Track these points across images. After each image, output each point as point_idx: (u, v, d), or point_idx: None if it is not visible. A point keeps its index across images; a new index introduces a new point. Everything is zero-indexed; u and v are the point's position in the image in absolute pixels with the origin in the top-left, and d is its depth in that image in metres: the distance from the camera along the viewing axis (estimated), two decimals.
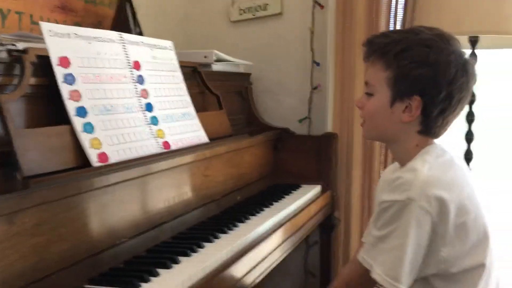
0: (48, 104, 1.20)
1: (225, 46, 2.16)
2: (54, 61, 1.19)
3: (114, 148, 1.25)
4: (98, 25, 1.87)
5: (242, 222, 1.47)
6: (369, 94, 1.13)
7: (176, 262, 1.15)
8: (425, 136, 1.11)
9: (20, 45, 1.15)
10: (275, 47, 2.28)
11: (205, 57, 1.92)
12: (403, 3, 1.95)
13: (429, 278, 1.03)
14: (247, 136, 1.91)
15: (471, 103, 1.78)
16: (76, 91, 1.21)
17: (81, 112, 1.20)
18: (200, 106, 1.74)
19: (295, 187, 1.95)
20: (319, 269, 2.15)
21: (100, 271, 1.09)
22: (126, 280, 1.03)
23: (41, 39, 1.20)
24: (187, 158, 1.47)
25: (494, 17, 1.64)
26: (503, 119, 2.16)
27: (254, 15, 2.31)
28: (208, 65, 1.94)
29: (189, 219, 1.45)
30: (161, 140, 1.43)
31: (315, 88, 2.20)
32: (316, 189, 1.97)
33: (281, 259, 1.52)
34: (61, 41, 1.22)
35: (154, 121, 1.44)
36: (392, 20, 1.98)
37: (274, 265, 1.46)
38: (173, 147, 1.47)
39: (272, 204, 1.69)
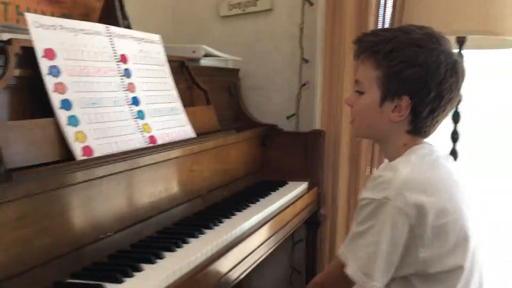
0: (32, 97, 1.18)
1: (214, 41, 2.15)
2: (39, 52, 1.17)
3: (99, 141, 1.24)
4: (85, 17, 1.85)
5: (228, 218, 1.47)
6: (359, 93, 1.13)
7: (161, 257, 1.14)
8: (414, 135, 1.11)
9: (5, 36, 1.13)
10: (264, 43, 2.27)
11: (193, 51, 1.91)
12: (392, 1, 1.96)
13: (409, 278, 1.03)
14: (234, 132, 1.90)
15: (457, 103, 1.79)
16: (61, 83, 1.20)
17: (66, 105, 1.19)
18: (188, 101, 1.74)
19: (282, 183, 1.95)
20: (305, 266, 2.15)
21: (84, 265, 1.08)
22: (110, 274, 1.02)
23: (26, 31, 1.19)
24: (174, 153, 1.46)
25: (482, 18, 1.65)
26: (489, 120, 2.18)
27: (243, 11, 2.30)
28: (196, 60, 1.93)
29: (175, 214, 1.45)
30: (147, 135, 1.43)
31: (303, 85, 2.20)
32: (302, 186, 1.97)
33: (266, 255, 1.52)
34: (46, 32, 1.21)
35: (141, 115, 1.44)
36: (381, 18, 1.99)
37: (259, 261, 1.46)
38: (160, 141, 1.46)
39: (258, 200, 1.69)
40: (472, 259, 1.06)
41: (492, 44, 1.85)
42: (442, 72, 1.05)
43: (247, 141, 1.99)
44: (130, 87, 1.43)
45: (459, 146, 1.90)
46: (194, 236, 1.29)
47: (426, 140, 1.14)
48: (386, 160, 1.21)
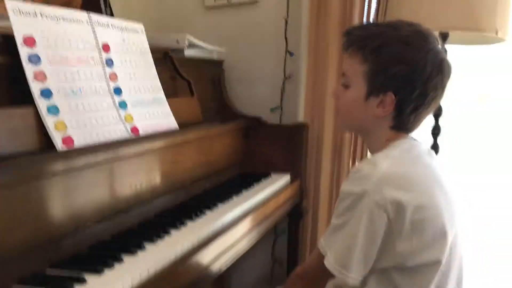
0: (11, 85, 1.16)
1: (198, 32, 2.13)
2: (19, 40, 1.15)
3: (80, 131, 1.22)
4: (67, 4, 1.82)
5: (210, 209, 1.47)
6: (345, 86, 1.14)
7: (142, 248, 1.14)
8: (397, 131, 1.12)
9: None
10: (249, 35, 2.26)
11: (177, 41, 1.89)
12: None
13: (387, 270, 1.04)
14: (218, 124, 1.90)
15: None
16: (41, 72, 1.18)
17: (46, 93, 1.17)
18: (171, 92, 1.72)
19: (265, 175, 1.95)
20: (286, 257, 2.17)
21: (63, 256, 1.07)
22: (90, 265, 1.02)
23: (6, 18, 1.16)
24: (156, 144, 1.45)
25: (465, 14, 1.67)
26: (470, 115, 2.21)
27: (229, 2, 2.28)
28: (180, 50, 1.91)
29: (157, 205, 1.44)
30: (129, 125, 1.41)
31: (287, 77, 2.20)
32: (285, 178, 1.98)
33: (248, 247, 1.52)
34: (26, 20, 1.18)
35: (123, 105, 1.42)
36: (365, 11, 1.99)
37: (241, 253, 1.46)
38: (142, 132, 1.45)
39: (241, 192, 1.69)
40: (450, 254, 1.07)
41: (475, 40, 1.87)
42: (428, 71, 1.05)
43: (230, 133, 1.98)
44: (112, 77, 1.41)
45: (440, 141, 1.92)
46: (176, 227, 1.28)
47: (410, 135, 1.15)
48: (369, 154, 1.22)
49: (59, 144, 1.15)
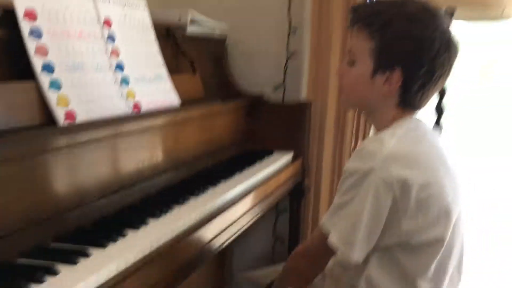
0: (12, 59, 1.15)
1: (200, 8, 2.10)
2: (20, 13, 1.13)
3: (83, 106, 1.22)
4: None
5: (213, 186, 1.47)
6: (351, 63, 1.12)
7: (145, 223, 1.14)
8: (403, 109, 1.11)
9: None
10: (252, 11, 2.23)
11: (179, 17, 1.87)
12: None
13: (390, 248, 1.04)
14: (220, 102, 1.89)
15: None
16: (43, 46, 1.16)
17: (48, 68, 1.16)
18: (173, 69, 1.71)
19: (267, 153, 1.95)
20: (288, 236, 2.18)
21: (67, 230, 1.08)
22: (94, 239, 1.02)
23: None
24: (158, 121, 1.45)
25: None
26: (472, 91, 2.19)
27: None
28: (182, 26, 1.89)
29: (159, 182, 1.44)
30: (131, 101, 1.41)
31: (291, 55, 2.18)
32: (287, 156, 1.98)
33: (250, 224, 1.53)
34: None
35: (125, 81, 1.41)
36: None
37: (242, 230, 1.47)
38: (144, 109, 1.44)
39: (243, 170, 1.69)
40: (453, 232, 1.07)
41: (478, 16, 1.85)
42: (436, 48, 1.04)
43: (233, 110, 1.98)
44: (114, 53, 1.40)
45: (444, 121, 1.91)
46: (178, 203, 1.29)
47: (415, 115, 1.14)
48: (372, 132, 1.21)
49: (61, 119, 1.15)
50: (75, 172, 1.14)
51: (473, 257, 1.17)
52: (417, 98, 1.09)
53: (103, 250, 1.00)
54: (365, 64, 1.09)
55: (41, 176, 1.05)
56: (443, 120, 1.87)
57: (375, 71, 1.08)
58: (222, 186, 1.50)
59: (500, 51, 2.17)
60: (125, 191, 1.30)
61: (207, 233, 1.25)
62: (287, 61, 2.20)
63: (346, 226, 1.04)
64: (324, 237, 1.08)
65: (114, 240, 1.04)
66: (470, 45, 2.07)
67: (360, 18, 1.10)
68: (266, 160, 1.87)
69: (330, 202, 2.10)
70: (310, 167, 2.11)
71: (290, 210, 2.15)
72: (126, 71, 1.43)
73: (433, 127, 1.87)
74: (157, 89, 1.53)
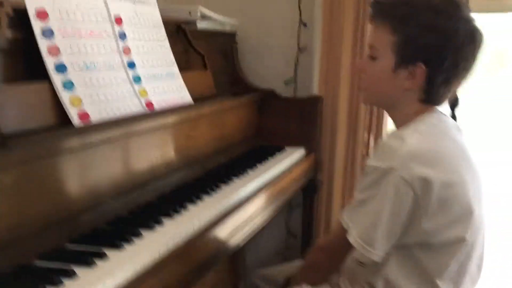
0: (25, 60, 1.14)
1: (209, 3, 2.08)
2: (31, 13, 1.13)
3: (96, 106, 1.21)
4: None
5: (226, 184, 1.46)
6: (372, 58, 1.10)
7: (160, 223, 1.14)
8: (425, 103, 1.08)
9: None
10: (262, 6, 2.21)
11: (189, 13, 1.86)
12: None
13: (410, 247, 1.03)
14: (231, 97, 1.88)
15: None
16: (55, 46, 1.16)
17: (61, 68, 1.16)
18: (184, 65, 1.70)
19: (279, 149, 1.94)
20: (301, 231, 2.17)
21: (82, 231, 1.07)
22: (110, 240, 1.02)
23: None
24: (171, 119, 1.44)
25: None
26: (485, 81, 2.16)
27: None
28: (192, 22, 1.87)
29: (172, 180, 1.43)
30: (144, 100, 1.40)
31: (302, 49, 2.16)
32: (300, 152, 1.96)
33: (264, 222, 1.52)
34: None
35: (137, 80, 1.40)
36: None
37: (257, 228, 1.46)
38: (156, 107, 1.43)
39: (256, 166, 1.68)
40: (475, 232, 1.05)
41: (493, 7, 1.82)
42: (460, 40, 1.01)
43: (244, 106, 1.96)
44: (126, 51, 1.39)
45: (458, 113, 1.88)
46: (192, 201, 1.28)
47: (437, 108, 1.11)
48: (387, 129, 1.19)
49: (75, 120, 1.14)
50: (89, 172, 1.14)
51: None
52: (440, 93, 1.07)
53: (119, 251, 1.00)
54: (387, 58, 1.06)
55: (56, 177, 1.05)
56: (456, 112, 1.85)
57: (397, 66, 1.05)
58: (235, 183, 1.49)
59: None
60: (139, 190, 1.30)
61: (223, 231, 1.24)
62: (297, 56, 2.17)
63: (366, 224, 1.02)
64: (343, 232, 1.06)
65: (130, 241, 1.03)
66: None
67: (380, 11, 1.08)
68: (278, 156, 1.86)
69: (344, 196, 2.10)
70: (323, 162, 2.09)
71: (303, 205, 2.14)
72: (138, 69, 1.42)
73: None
74: (169, 87, 1.52)
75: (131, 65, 1.40)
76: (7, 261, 0.89)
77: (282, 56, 2.21)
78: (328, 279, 1.22)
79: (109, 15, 1.36)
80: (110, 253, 0.98)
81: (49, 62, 1.13)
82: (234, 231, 1.30)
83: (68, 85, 1.16)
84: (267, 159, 1.79)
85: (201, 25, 1.91)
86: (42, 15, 1.15)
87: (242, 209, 1.35)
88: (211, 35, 2.01)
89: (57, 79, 1.14)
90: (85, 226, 1.09)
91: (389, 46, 1.05)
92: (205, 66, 1.81)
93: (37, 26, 1.13)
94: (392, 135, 1.08)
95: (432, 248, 1.02)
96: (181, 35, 1.77)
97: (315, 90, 2.10)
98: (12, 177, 0.93)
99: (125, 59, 1.38)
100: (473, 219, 1.04)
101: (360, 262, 1.10)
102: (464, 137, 1.13)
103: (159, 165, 1.39)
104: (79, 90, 1.18)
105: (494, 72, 2.25)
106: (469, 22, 1.03)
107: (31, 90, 1.09)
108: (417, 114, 1.08)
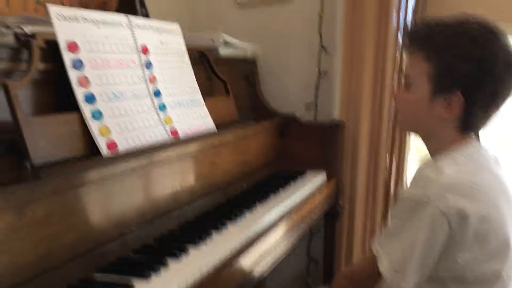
0: (55, 91, 1.17)
1: (231, 30, 2.11)
2: (63, 45, 1.16)
3: (123, 135, 1.23)
4: (104, 5, 1.83)
5: (249, 210, 1.46)
6: (407, 86, 1.09)
7: (186, 251, 1.14)
8: (462, 132, 1.06)
9: (28, 29, 1.12)
10: (283, 31, 2.23)
11: (212, 40, 1.88)
12: None
13: (442, 280, 1.01)
14: (253, 123, 1.89)
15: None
16: (84, 76, 1.18)
17: (90, 98, 1.18)
18: (207, 92, 1.72)
19: (301, 173, 1.93)
20: (322, 257, 2.15)
21: (109, 259, 1.08)
22: (136, 269, 1.02)
23: (47, 22, 1.17)
24: (195, 146, 1.45)
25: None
26: None
27: None
28: (215, 49, 1.90)
29: (196, 207, 1.44)
30: (169, 127, 1.41)
31: (323, 74, 2.17)
32: (321, 176, 1.95)
33: (288, 251, 1.51)
34: (69, 25, 1.19)
35: (162, 107, 1.42)
36: (404, 5, 1.93)
37: (281, 257, 1.45)
38: (181, 134, 1.44)
39: (278, 191, 1.67)
40: (509, 269, 1.02)
41: None
42: (497, 67, 0.99)
43: (265, 131, 1.97)
44: (152, 79, 1.41)
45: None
46: (217, 229, 1.28)
47: (475, 139, 1.09)
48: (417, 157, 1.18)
49: (104, 150, 1.16)
50: (116, 202, 1.15)
51: None
52: (478, 121, 1.05)
53: (147, 281, 1.00)
54: (423, 88, 1.05)
55: (85, 207, 1.06)
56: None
57: (433, 95, 1.04)
58: (258, 209, 1.48)
59: None
60: (163, 218, 1.30)
61: (247, 260, 1.23)
62: (318, 80, 2.18)
63: (398, 254, 1.00)
64: (373, 261, 1.05)
65: (156, 270, 1.03)
66: None
67: (415, 40, 1.06)
68: (300, 180, 1.85)
69: (365, 221, 2.07)
70: (344, 187, 2.08)
71: (325, 231, 2.12)
72: (163, 97, 1.44)
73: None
74: (193, 114, 1.54)
75: (157, 93, 1.41)
76: None
77: (302, 81, 2.22)
78: None
79: (136, 45, 1.39)
80: (138, 283, 0.98)
81: (79, 93, 1.16)
82: (258, 259, 1.29)
83: (97, 115, 1.18)
84: (289, 183, 1.79)
85: (223, 51, 1.94)
86: (73, 46, 1.18)
87: (266, 237, 1.35)
88: (232, 61, 2.03)
89: (86, 110, 1.16)
90: (111, 255, 1.10)
91: (425, 75, 1.04)
92: (227, 92, 1.83)
93: (67, 57, 1.16)
94: (429, 164, 1.06)
95: (466, 283, 1.00)
96: (204, 62, 1.79)
97: (336, 114, 2.10)
98: (44, 207, 0.94)
99: (151, 88, 1.40)
100: (510, 254, 1.01)
101: None
102: (503, 170, 1.10)
103: (183, 192, 1.40)
104: (107, 119, 1.20)
105: None
106: (505, 48, 1.01)
107: (61, 121, 1.11)
108: (453, 143, 1.06)
